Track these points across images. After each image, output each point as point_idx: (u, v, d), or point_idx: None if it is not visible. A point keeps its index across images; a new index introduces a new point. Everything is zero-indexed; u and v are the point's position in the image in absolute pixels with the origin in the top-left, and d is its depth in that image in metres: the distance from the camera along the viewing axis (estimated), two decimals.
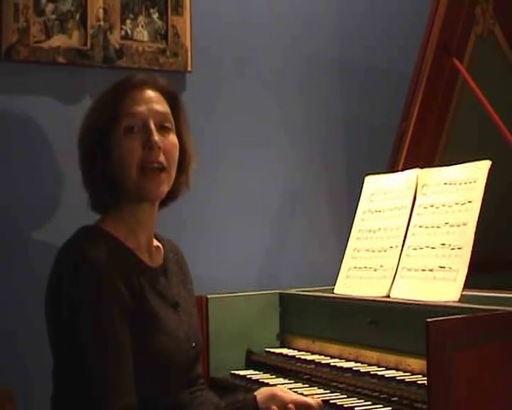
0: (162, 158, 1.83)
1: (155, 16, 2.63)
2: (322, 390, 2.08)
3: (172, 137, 1.88)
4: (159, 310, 1.81)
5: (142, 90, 1.87)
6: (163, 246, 1.97)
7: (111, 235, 1.81)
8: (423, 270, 2.14)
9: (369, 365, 2.14)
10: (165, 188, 1.86)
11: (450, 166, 2.24)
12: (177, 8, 2.64)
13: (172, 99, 1.92)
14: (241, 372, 2.35)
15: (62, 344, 1.73)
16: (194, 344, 1.91)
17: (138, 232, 1.87)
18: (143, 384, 1.72)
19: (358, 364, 2.17)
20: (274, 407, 1.78)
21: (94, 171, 1.85)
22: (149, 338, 1.77)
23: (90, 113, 1.89)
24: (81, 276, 1.71)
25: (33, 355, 2.33)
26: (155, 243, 1.95)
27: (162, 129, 1.85)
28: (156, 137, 1.82)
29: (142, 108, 1.84)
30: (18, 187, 2.43)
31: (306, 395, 2.02)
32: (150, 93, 1.87)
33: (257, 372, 2.34)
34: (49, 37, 2.46)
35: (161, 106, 1.87)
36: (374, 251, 2.34)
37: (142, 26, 2.61)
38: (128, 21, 2.59)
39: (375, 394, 1.95)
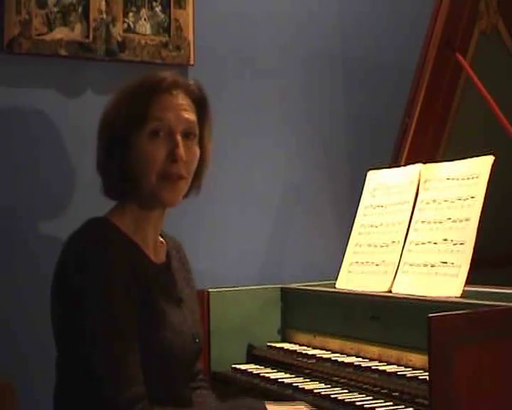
0: (183, 170, 1.83)
1: (158, 9, 2.62)
2: (323, 385, 2.08)
3: (195, 148, 1.87)
4: (164, 306, 1.81)
5: (173, 94, 1.84)
6: (166, 243, 1.97)
7: (118, 228, 1.81)
8: (425, 265, 2.14)
9: (371, 360, 2.14)
10: (181, 196, 1.87)
11: (452, 162, 2.24)
12: (180, 2, 2.64)
13: (201, 107, 1.90)
14: (243, 367, 2.35)
15: (69, 334, 1.73)
16: (197, 340, 1.92)
17: (146, 229, 1.87)
18: (146, 379, 1.72)
19: (360, 359, 2.17)
20: None
21: (111, 164, 1.83)
22: (155, 333, 1.77)
23: (117, 104, 1.86)
24: (88, 267, 1.71)
25: (32, 346, 2.34)
26: (160, 238, 1.95)
27: (186, 137, 1.84)
28: (181, 149, 1.81)
29: (170, 115, 1.82)
30: (18, 180, 2.43)
31: (307, 390, 2.03)
32: (180, 99, 1.85)
33: (258, 367, 2.34)
34: (51, 29, 2.46)
35: (189, 114, 1.85)
36: (376, 246, 2.33)
37: (145, 19, 2.60)
38: (130, 14, 2.58)
39: (376, 389, 1.96)
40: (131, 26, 2.58)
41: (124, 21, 2.56)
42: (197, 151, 1.88)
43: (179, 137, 1.82)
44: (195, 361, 1.96)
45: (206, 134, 1.92)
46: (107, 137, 1.84)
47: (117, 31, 2.54)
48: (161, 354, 1.77)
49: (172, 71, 1.91)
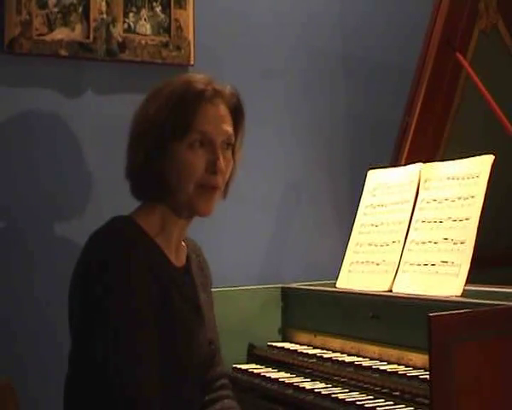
0: (221, 181, 1.83)
1: (158, 9, 2.62)
2: (323, 384, 2.08)
3: (230, 157, 1.87)
4: (182, 311, 1.80)
5: (214, 104, 1.83)
6: (187, 246, 1.96)
7: (142, 229, 1.79)
8: (426, 264, 2.14)
9: (371, 359, 2.14)
10: (214, 206, 1.86)
11: (453, 161, 2.24)
12: (180, 2, 2.64)
13: (238, 117, 1.89)
14: (243, 366, 2.36)
15: (89, 333, 1.70)
16: (212, 347, 1.92)
17: (172, 233, 1.86)
18: (159, 382, 1.70)
19: (360, 358, 2.17)
20: None
21: (148, 167, 1.81)
22: (171, 338, 1.76)
23: (158, 109, 1.82)
24: (111, 267, 1.70)
25: (31, 346, 2.33)
26: (181, 242, 1.94)
27: (224, 148, 1.84)
28: (222, 162, 1.81)
29: (212, 127, 1.81)
30: (18, 180, 2.43)
31: (308, 389, 2.03)
32: (222, 110, 1.84)
33: (259, 366, 2.34)
34: (51, 30, 2.46)
35: (228, 126, 1.85)
36: (376, 246, 2.34)
37: (145, 20, 2.60)
38: (131, 15, 2.58)
39: (376, 388, 1.96)
40: (132, 26, 2.58)
41: (124, 22, 2.57)
42: (231, 160, 1.88)
43: (220, 151, 1.82)
44: (210, 366, 1.94)
45: (239, 142, 1.91)
46: (145, 141, 1.81)
47: (117, 31, 2.55)
48: (177, 360, 1.76)
49: (207, 75, 1.89)
